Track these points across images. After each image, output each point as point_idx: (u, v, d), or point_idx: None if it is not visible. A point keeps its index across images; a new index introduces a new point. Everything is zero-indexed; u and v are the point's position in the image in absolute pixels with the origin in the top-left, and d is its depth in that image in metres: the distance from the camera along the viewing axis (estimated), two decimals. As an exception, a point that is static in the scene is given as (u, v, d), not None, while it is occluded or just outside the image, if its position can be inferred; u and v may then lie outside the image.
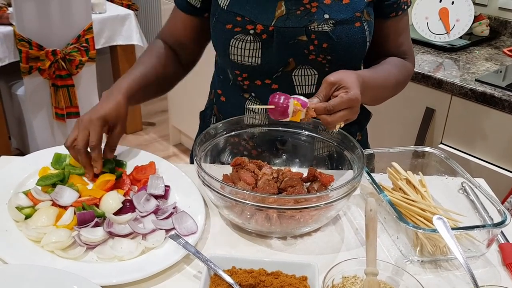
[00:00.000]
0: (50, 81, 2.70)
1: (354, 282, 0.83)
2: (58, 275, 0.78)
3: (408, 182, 1.06)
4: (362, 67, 1.22)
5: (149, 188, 1.02)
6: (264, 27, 1.07)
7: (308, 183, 1.06)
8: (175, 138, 3.55)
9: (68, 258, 0.86)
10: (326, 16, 1.07)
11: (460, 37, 2.09)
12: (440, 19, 2.09)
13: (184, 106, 3.16)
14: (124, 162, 1.13)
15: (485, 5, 2.26)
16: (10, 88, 2.92)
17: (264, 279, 0.81)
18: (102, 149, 1.08)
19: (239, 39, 1.08)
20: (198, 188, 1.04)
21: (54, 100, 2.74)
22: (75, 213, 0.94)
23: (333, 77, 0.98)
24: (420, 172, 1.10)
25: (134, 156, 1.15)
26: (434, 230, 0.86)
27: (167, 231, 0.93)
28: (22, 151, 3.10)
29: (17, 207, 0.94)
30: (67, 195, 0.99)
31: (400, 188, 1.05)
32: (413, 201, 1.00)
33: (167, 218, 0.96)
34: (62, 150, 1.13)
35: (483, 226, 0.91)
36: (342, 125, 0.99)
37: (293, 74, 1.11)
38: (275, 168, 1.08)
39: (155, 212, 0.98)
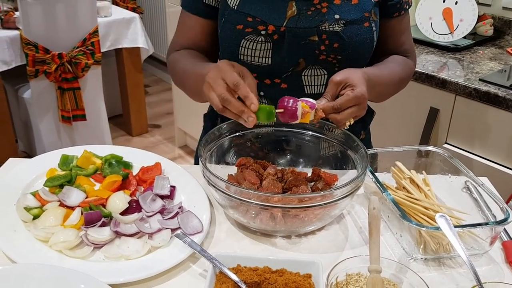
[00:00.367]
0: (56, 84, 2.72)
1: (357, 280, 0.84)
2: (66, 274, 0.79)
3: (412, 181, 1.06)
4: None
5: (155, 188, 1.04)
6: (275, 28, 1.07)
7: (312, 183, 1.07)
8: (181, 140, 3.56)
9: (75, 257, 0.87)
10: (337, 16, 1.08)
11: (464, 37, 2.09)
12: (444, 19, 2.10)
13: (189, 109, 3.17)
14: (131, 163, 1.14)
15: (489, 5, 2.26)
16: (16, 91, 2.94)
17: (268, 277, 0.81)
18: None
19: (250, 40, 1.08)
20: (203, 188, 1.05)
21: (60, 103, 2.77)
22: (82, 213, 0.96)
23: (338, 76, 1.00)
24: (423, 171, 1.11)
25: (141, 157, 1.16)
26: (437, 228, 0.87)
27: (173, 230, 0.94)
28: (29, 154, 3.13)
29: (25, 208, 0.96)
30: (74, 195, 1.00)
31: (403, 187, 1.05)
32: (416, 199, 1.00)
33: (173, 217, 0.97)
34: (69, 151, 1.15)
35: (486, 224, 0.92)
36: (352, 122, 1.01)
37: (303, 74, 1.12)
38: (280, 168, 1.09)
39: (161, 212, 0.99)
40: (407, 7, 1.18)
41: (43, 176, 1.08)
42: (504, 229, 0.99)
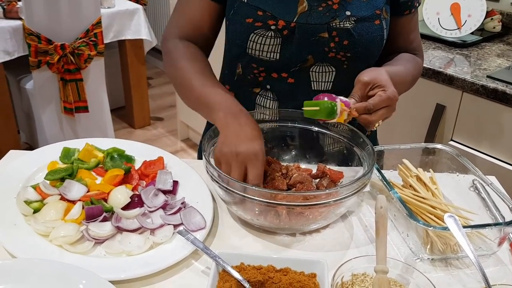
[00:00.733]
0: (58, 75, 2.70)
1: (363, 280, 0.82)
2: (66, 270, 0.78)
3: (419, 179, 1.05)
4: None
5: (157, 183, 1.02)
6: (286, 23, 1.05)
7: (317, 180, 1.05)
8: (183, 133, 3.55)
9: (76, 252, 0.86)
10: (348, 13, 1.06)
11: (472, 33, 2.07)
12: (452, 14, 2.07)
13: (192, 101, 3.15)
14: (133, 157, 1.13)
15: (497, 1, 2.23)
16: (19, 82, 2.93)
17: (272, 276, 0.80)
18: None
19: (259, 34, 1.06)
20: (206, 183, 1.04)
21: (63, 94, 2.75)
22: (83, 207, 0.94)
23: (366, 76, 0.97)
24: (430, 169, 1.09)
25: (143, 151, 1.15)
26: (445, 228, 0.85)
27: (175, 226, 0.93)
28: (31, 145, 3.12)
29: (25, 201, 0.94)
30: (75, 189, 0.99)
31: (410, 185, 1.04)
32: (423, 198, 0.99)
33: (175, 213, 0.96)
34: (71, 144, 1.13)
35: (495, 225, 0.90)
36: (381, 123, 0.99)
37: (311, 70, 1.10)
38: (284, 164, 1.07)
39: (163, 207, 0.97)
40: (417, 4, 1.17)
41: (44, 169, 1.06)
42: (513, 229, 0.98)
